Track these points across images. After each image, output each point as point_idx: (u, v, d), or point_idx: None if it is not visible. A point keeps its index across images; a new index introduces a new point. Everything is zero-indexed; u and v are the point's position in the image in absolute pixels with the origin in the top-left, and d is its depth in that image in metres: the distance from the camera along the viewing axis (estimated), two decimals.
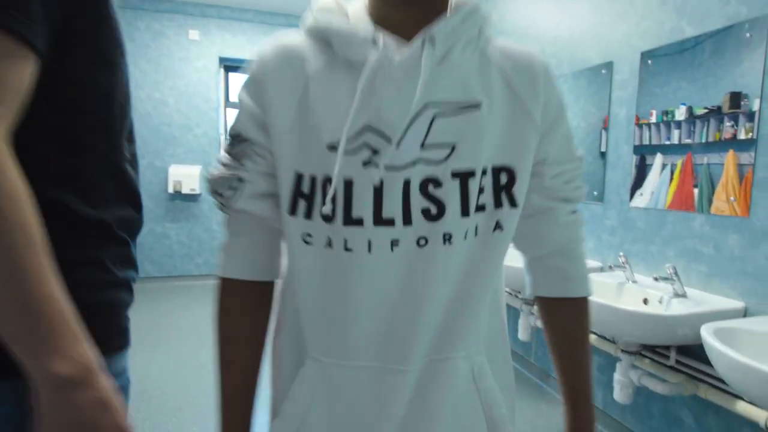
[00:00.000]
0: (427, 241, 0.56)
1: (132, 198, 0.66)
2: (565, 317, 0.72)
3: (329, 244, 0.57)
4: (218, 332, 0.64)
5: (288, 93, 0.57)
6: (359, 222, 0.55)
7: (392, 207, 0.55)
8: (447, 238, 0.56)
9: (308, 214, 0.57)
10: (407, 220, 0.55)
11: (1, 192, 0.45)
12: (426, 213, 0.55)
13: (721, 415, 1.71)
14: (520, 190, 0.59)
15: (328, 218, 0.56)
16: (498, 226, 0.59)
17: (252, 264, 0.64)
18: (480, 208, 0.57)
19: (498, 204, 0.58)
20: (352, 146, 0.54)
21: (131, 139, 0.67)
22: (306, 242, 0.58)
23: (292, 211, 0.57)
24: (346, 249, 0.56)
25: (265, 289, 0.66)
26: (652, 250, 1.99)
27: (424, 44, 0.55)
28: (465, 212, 0.56)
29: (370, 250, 0.55)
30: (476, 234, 0.58)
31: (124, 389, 0.64)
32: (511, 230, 0.60)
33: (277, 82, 0.58)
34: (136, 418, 2.17)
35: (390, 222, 0.55)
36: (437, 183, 0.55)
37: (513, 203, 0.59)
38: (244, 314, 0.64)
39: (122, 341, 0.64)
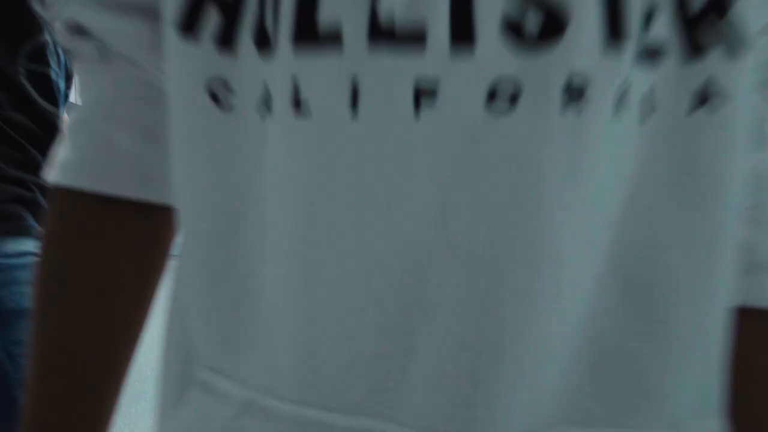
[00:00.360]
0: (517, 97, 0.19)
1: (30, 112, 0.73)
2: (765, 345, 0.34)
3: (265, 103, 0.23)
4: (38, 291, 0.33)
5: None
6: (333, 36, 0.20)
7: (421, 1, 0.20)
8: (574, 92, 0.20)
9: (225, 37, 0.23)
10: (463, 33, 0.19)
11: None
12: (512, 26, 0.19)
13: None
14: (749, 9, 0.21)
15: (264, 40, 0.22)
16: (705, 93, 0.22)
17: (113, 161, 0.31)
18: (652, 52, 0.21)
19: (693, 44, 0.21)
20: None
21: (38, 60, 0.74)
22: (216, 100, 0.24)
23: (187, 25, 0.23)
24: (297, 107, 0.21)
25: (147, 217, 0.33)
26: None
27: None
28: (615, 32, 0.19)
29: (355, 108, 0.20)
30: (650, 109, 0.22)
31: (22, 267, 0.70)
32: (741, 103, 0.22)
33: None
34: None
35: (414, 37, 0.19)
36: None
37: (735, 41, 0.21)
38: (94, 259, 0.32)
39: (8, 227, 0.71)
